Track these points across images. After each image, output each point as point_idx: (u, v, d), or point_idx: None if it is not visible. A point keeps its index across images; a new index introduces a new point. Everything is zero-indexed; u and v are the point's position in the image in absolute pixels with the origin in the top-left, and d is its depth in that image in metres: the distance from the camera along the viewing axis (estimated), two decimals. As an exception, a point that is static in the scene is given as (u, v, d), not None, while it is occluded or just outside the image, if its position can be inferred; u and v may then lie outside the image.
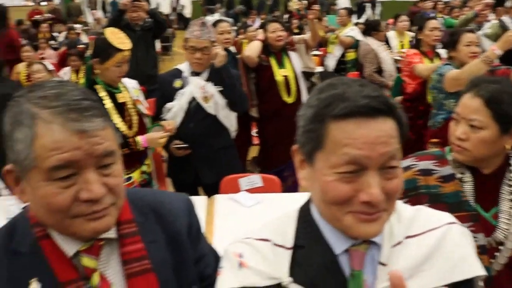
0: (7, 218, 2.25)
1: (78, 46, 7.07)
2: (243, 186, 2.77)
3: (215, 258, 1.09)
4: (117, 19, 4.42)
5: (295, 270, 0.87)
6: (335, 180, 0.80)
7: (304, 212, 0.94)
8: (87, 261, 0.89)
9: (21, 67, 5.74)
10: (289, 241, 0.90)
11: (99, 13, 12.60)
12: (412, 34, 6.21)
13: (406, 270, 0.85)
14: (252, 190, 2.71)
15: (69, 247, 0.88)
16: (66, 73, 5.89)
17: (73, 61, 5.78)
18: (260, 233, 0.94)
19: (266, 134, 3.69)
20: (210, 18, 3.44)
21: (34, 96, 0.82)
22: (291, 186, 3.61)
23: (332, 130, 0.80)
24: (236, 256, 0.91)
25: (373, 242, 0.87)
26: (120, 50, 2.49)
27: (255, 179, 2.85)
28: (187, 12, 14.60)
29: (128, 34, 4.31)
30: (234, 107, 2.95)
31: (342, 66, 6.15)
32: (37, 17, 10.57)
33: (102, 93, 2.51)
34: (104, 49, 2.48)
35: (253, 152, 3.99)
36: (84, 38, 8.77)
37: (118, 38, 2.53)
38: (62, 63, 6.72)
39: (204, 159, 2.89)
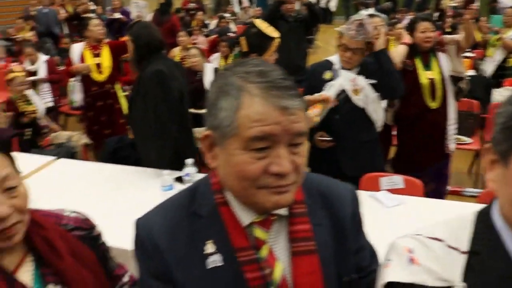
0: (162, 186, 2.49)
1: (228, 34, 7.47)
2: (383, 185, 2.70)
3: (371, 253, 1.09)
4: (276, 10, 4.57)
5: (468, 276, 0.82)
6: None
7: (484, 217, 0.88)
8: (259, 233, 0.94)
9: (176, 51, 6.25)
10: (464, 244, 0.85)
11: (246, 3, 13.13)
12: None
13: None
14: (391, 191, 2.63)
15: (245, 217, 0.94)
16: (215, 58, 6.27)
17: (223, 47, 6.13)
18: (432, 231, 0.91)
19: (405, 138, 3.52)
20: (364, 13, 3.37)
21: (239, 70, 0.88)
22: (430, 193, 3.42)
23: None
24: (407, 251, 0.89)
25: None
26: (274, 38, 2.57)
27: (396, 179, 2.76)
28: (333, 5, 14.49)
29: (281, 24, 4.47)
30: (390, 93, 2.90)
31: (500, 72, 5.61)
32: (190, 5, 11.38)
33: None
34: (260, 42, 2.56)
35: (393, 152, 3.86)
36: (233, 27, 9.23)
37: (268, 27, 2.61)
38: (212, 49, 7.17)
39: (348, 152, 2.87)
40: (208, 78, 5.03)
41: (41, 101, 4.61)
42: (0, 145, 1.08)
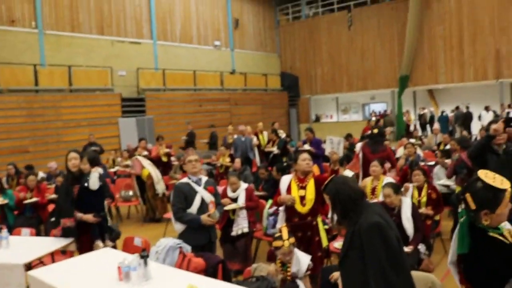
0: None
1: (419, 163, 7.21)
2: None
3: None
4: (487, 144, 4.32)
5: None
6: None
7: None
8: None
9: (367, 181, 6.14)
10: None
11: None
12: None
13: None
14: None
15: None
16: (409, 190, 6.01)
17: (416, 176, 5.85)
18: None
19: None
20: None
21: None
22: None
23: None
24: None
25: None
26: (505, 190, 2.33)
27: None
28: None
29: (490, 157, 4.15)
30: None
31: None
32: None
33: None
34: (491, 197, 2.33)
35: None
36: (420, 153, 8.94)
37: (495, 178, 2.37)
38: (402, 179, 6.96)
39: None
40: (405, 213, 4.80)
41: (298, 265, 3.98)
42: None
